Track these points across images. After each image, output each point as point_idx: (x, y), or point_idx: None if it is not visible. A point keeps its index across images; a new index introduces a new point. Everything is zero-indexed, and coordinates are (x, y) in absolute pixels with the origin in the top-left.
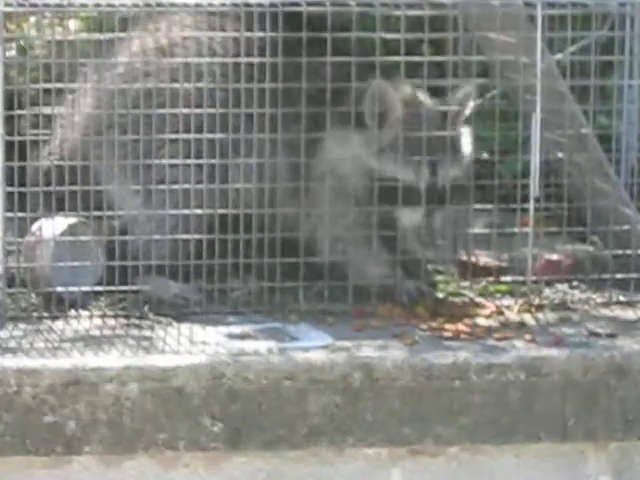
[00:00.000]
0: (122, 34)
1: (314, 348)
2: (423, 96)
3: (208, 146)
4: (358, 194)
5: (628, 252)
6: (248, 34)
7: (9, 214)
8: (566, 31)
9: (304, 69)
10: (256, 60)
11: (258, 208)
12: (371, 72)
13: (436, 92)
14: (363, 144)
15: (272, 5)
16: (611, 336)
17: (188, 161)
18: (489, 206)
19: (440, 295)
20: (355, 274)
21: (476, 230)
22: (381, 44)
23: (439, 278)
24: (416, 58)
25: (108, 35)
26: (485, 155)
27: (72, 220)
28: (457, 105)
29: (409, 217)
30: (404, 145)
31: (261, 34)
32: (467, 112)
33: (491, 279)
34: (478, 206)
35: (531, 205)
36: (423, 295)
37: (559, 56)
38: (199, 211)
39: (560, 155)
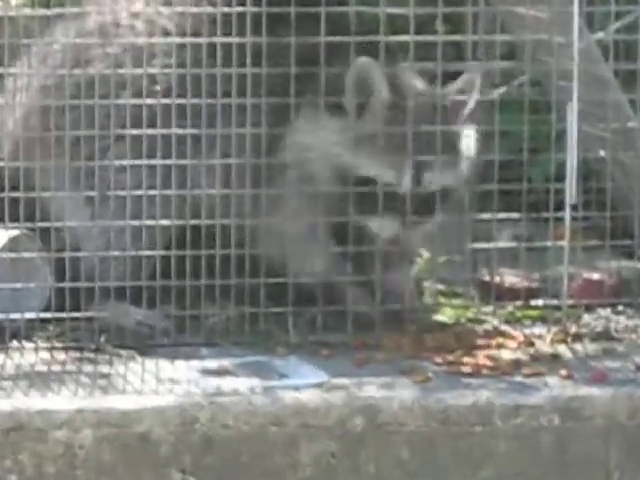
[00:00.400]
0: (73, 9)
1: (306, 387)
2: (420, 83)
3: (165, 143)
4: (324, 192)
5: None
6: (223, 9)
7: None
8: (609, 5)
9: (292, 52)
10: (235, 40)
11: (236, 217)
12: (373, 54)
13: (453, 78)
14: (337, 131)
15: None
16: None
17: (153, 162)
18: (516, 215)
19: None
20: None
21: (500, 244)
22: (385, 21)
23: (457, 302)
24: (428, 37)
25: (56, 10)
26: (511, 154)
27: (13, 233)
28: (458, 94)
29: (382, 228)
30: (387, 139)
31: (240, 8)
32: (470, 105)
33: (519, 303)
34: (503, 215)
35: (567, 214)
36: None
37: (600, 35)
38: (166, 222)
39: (602, 153)
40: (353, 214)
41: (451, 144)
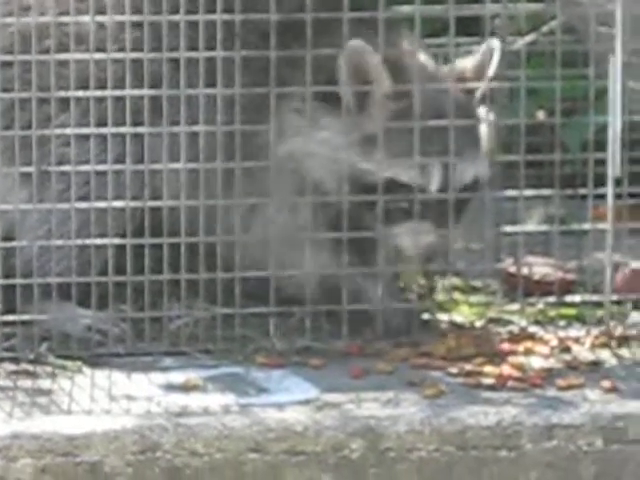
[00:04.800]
0: None
1: (292, 404)
2: (429, 60)
3: (120, 108)
4: (335, 205)
5: None
6: None
7: None
8: None
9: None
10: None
11: (206, 198)
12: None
13: (468, 25)
14: (341, 132)
15: None
16: None
17: (103, 130)
18: (548, 191)
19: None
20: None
21: (529, 227)
22: None
23: (475, 299)
24: (436, 9)
25: None
26: (541, 116)
27: None
28: (476, 71)
29: (414, 239)
30: (400, 134)
31: None
32: (488, 80)
33: (552, 299)
34: (531, 192)
35: (609, 190)
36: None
37: None
38: (120, 203)
39: None
40: (370, 227)
41: (475, 129)
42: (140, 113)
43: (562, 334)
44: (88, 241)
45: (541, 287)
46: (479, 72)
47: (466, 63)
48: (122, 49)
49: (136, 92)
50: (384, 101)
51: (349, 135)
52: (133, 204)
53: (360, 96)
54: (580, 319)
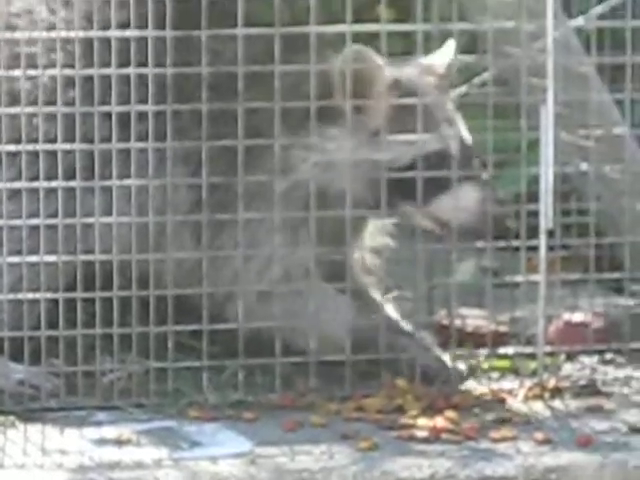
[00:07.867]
0: None
1: (225, 457)
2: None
3: (65, 161)
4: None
5: None
6: None
7: None
8: None
9: (203, 47)
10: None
11: (139, 251)
12: (302, 51)
13: None
14: (345, 135)
15: None
16: None
17: (35, 184)
18: (480, 243)
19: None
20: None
21: (461, 278)
22: (319, 8)
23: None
24: (370, 27)
25: None
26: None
27: None
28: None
29: (458, 206)
30: (403, 117)
31: None
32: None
33: (485, 351)
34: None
35: (542, 241)
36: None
37: (580, 21)
38: (52, 258)
39: (584, 167)
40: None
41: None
42: (74, 168)
43: (495, 386)
44: (20, 295)
45: (474, 339)
46: (446, 69)
47: (434, 59)
48: (69, 103)
49: (66, 146)
50: (385, 93)
51: (356, 136)
52: (66, 258)
53: (359, 96)
54: (513, 371)
